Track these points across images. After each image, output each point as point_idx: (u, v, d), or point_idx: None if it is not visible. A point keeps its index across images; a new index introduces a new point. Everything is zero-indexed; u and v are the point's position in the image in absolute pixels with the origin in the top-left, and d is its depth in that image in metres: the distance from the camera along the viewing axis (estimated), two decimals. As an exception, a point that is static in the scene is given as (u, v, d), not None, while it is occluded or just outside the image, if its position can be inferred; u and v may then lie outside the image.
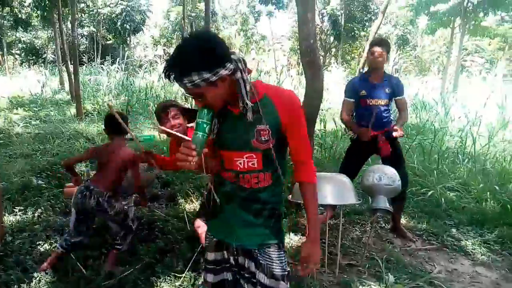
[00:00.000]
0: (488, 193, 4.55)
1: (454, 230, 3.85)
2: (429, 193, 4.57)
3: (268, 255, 1.55)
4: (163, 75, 1.36)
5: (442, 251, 3.45)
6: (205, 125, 1.37)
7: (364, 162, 3.74)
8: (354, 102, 3.53)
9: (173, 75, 1.29)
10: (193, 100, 1.37)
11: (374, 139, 3.39)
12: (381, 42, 3.45)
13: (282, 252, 1.59)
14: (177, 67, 1.28)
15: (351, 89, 3.54)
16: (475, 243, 3.56)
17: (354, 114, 3.62)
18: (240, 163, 1.48)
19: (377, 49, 3.37)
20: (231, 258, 1.61)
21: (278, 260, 1.55)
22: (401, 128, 3.46)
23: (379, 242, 3.58)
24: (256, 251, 1.55)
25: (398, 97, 3.52)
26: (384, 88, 3.46)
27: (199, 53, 1.26)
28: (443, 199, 4.43)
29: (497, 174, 5.20)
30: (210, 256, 1.67)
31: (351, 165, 3.64)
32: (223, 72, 1.29)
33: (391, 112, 3.59)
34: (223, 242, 1.63)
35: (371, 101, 3.46)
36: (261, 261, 1.55)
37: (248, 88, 1.36)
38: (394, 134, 3.39)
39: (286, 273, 1.57)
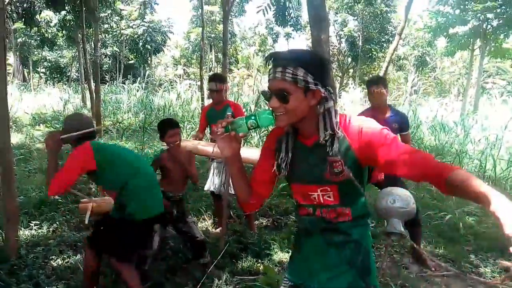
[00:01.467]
0: (509, 218, 4.39)
1: (472, 256, 3.72)
2: (447, 217, 4.45)
3: None
4: (268, 59, 1.27)
5: (460, 278, 3.33)
6: (252, 121, 1.26)
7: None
8: None
9: (279, 60, 1.23)
10: (268, 100, 1.27)
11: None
12: (377, 81, 3.51)
13: None
14: (290, 56, 1.23)
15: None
16: (494, 271, 3.42)
17: None
18: (315, 198, 1.37)
19: (375, 89, 3.42)
20: None
21: None
22: None
23: (394, 267, 3.49)
24: None
25: (403, 133, 3.51)
26: (392, 124, 3.43)
27: (315, 59, 1.26)
28: (461, 224, 4.31)
29: (519, 199, 5.03)
30: None
31: None
32: (321, 89, 1.23)
33: None
34: (301, 285, 1.46)
35: None
36: None
37: (337, 119, 1.29)
38: None
39: None
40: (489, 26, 17.51)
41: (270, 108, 1.27)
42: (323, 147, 1.29)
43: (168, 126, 3.00)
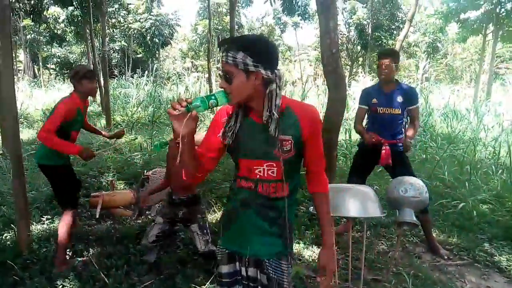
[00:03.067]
0: (524, 206, 4.32)
1: (486, 244, 3.65)
2: (460, 205, 4.37)
3: (280, 267, 1.56)
4: (218, 45, 1.45)
5: (474, 267, 3.28)
6: (212, 101, 1.36)
7: (369, 169, 3.74)
8: (366, 109, 3.59)
9: (224, 45, 1.38)
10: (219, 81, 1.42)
11: (380, 146, 3.38)
12: (388, 53, 3.50)
13: (290, 266, 1.60)
14: (232, 41, 1.39)
15: (364, 96, 3.62)
16: (510, 259, 3.36)
17: (367, 121, 3.68)
18: (260, 171, 1.50)
19: (384, 61, 3.39)
20: (243, 269, 1.61)
21: (287, 274, 1.57)
22: (408, 146, 3.41)
23: (407, 256, 3.45)
24: (268, 262, 1.55)
25: (410, 107, 3.46)
26: (396, 97, 3.44)
27: (256, 42, 1.38)
28: (475, 212, 4.23)
29: (534, 186, 4.94)
30: (224, 269, 1.65)
31: (356, 171, 3.70)
32: (262, 72, 1.36)
33: (404, 124, 3.55)
34: (236, 254, 1.62)
35: (381, 109, 3.47)
36: (272, 274, 1.55)
37: (278, 101, 1.41)
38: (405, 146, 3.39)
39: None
40: (502, 10, 17.08)
41: None
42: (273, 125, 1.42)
43: None
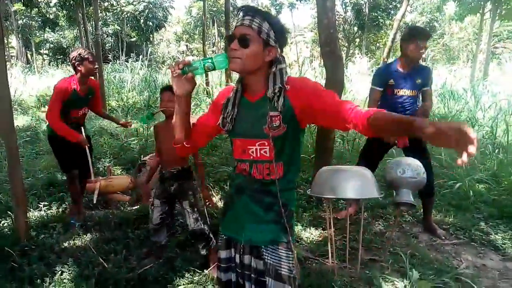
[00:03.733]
0: (520, 185, 4.34)
1: (483, 223, 3.68)
2: (457, 185, 4.40)
3: (277, 253, 1.50)
4: (239, 10, 1.42)
5: (470, 246, 3.31)
6: (209, 64, 1.36)
7: (384, 152, 3.65)
8: (381, 91, 3.39)
9: (250, 11, 1.36)
10: (229, 45, 1.37)
11: None
12: (426, 34, 3.25)
13: (291, 253, 1.52)
14: (260, 11, 1.38)
15: (379, 77, 3.41)
16: (505, 237, 3.39)
17: (379, 103, 3.44)
18: (253, 152, 1.48)
19: (423, 43, 3.17)
20: (237, 256, 1.58)
21: (286, 260, 1.51)
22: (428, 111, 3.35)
23: (404, 236, 3.47)
24: (264, 249, 1.51)
25: (425, 88, 3.38)
26: (414, 79, 3.31)
27: (279, 21, 1.41)
28: (471, 192, 4.25)
29: (530, 165, 4.95)
30: (222, 254, 1.64)
31: (371, 155, 3.58)
32: (277, 49, 1.39)
33: (416, 105, 3.43)
34: (232, 241, 1.60)
35: (398, 91, 3.32)
36: (268, 260, 1.50)
37: (286, 79, 1.41)
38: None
39: (293, 276, 1.51)
40: (500, -12, 16.87)
41: (226, 52, 1.39)
42: (265, 103, 1.40)
43: (164, 89, 2.81)
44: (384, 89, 3.37)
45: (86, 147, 3.49)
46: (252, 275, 1.54)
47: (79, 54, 3.26)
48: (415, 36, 3.22)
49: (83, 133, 3.51)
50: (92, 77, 3.59)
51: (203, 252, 2.83)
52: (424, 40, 3.22)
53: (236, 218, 1.58)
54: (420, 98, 3.46)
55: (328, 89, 1.42)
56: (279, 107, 1.37)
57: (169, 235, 3.28)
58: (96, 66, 3.46)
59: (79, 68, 3.30)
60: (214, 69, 1.38)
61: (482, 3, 18.23)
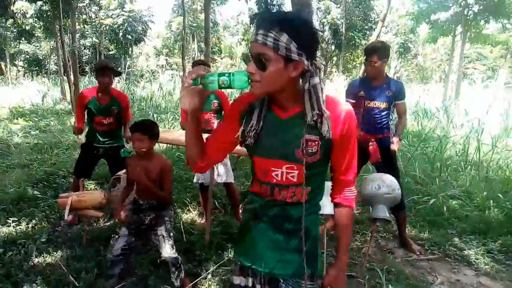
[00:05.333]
0: (492, 201, 4.46)
1: (456, 239, 3.75)
2: (431, 201, 4.48)
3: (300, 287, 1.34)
4: (252, 21, 1.22)
5: (445, 261, 3.35)
6: (224, 79, 1.18)
7: (359, 167, 3.66)
8: (354, 104, 3.44)
9: (263, 22, 1.13)
10: (247, 64, 1.20)
11: (366, 143, 3.34)
12: (377, 49, 3.31)
13: (316, 286, 1.37)
14: (276, 19, 1.12)
15: (351, 90, 3.50)
16: (478, 253, 3.46)
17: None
18: (277, 175, 1.29)
19: (374, 58, 3.26)
20: (258, 286, 1.41)
21: None
22: (399, 142, 3.40)
23: (380, 252, 3.50)
24: (284, 283, 1.35)
25: (398, 101, 3.44)
26: (384, 91, 3.38)
27: (303, 24, 1.13)
28: (445, 208, 4.34)
29: (501, 181, 5.10)
30: (236, 280, 1.49)
31: None
32: (304, 61, 1.14)
33: (390, 117, 3.51)
34: (249, 269, 1.43)
35: (369, 103, 3.39)
36: None
37: (324, 97, 1.21)
38: (392, 147, 3.35)
39: None
40: (470, 12, 17.66)
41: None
42: (301, 122, 1.23)
43: (133, 129, 2.60)
44: (357, 102, 3.43)
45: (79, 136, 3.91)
46: None
47: (94, 66, 3.53)
48: (364, 53, 3.40)
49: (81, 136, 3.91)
50: (120, 90, 4.05)
51: (177, 283, 2.65)
52: (370, 55, 3.29)
53: (253, 246, 1.40)
54: (395, 113, 3.54)
55: (355, 142, 1.31)
56: (324, 132, 1.21)
57: (142, 252, 3.21)
58: (108, 80, 3.67)
59: (99, 80, 3.67)
60: (229, 86, 1.19)
61: (453, 26, 19.01)
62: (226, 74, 1.18)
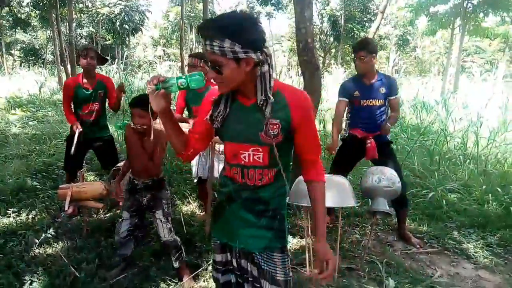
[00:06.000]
0: (490, 195, 4.48)
1: (455, 232, 3.77)
2: (430, 194, 4.49)
3: (272, 259, 1.53)
4: (197, 31, 1.35)
5: (444, 254, 3.38)
6: (182, 81, 1.34)
7: (353, 164, 3.72)
8: (347, 102, 3.51)
9: (206, 32, 1.26)
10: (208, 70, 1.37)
11: (364, 141, 3.37)
12: (365, 45, 3.35)
13: (286, 257, 1.56)
14: (215, 27, 1.25)
15: (344, 89, 3.52)
16: (477, 246, 3.49)
17: (349, 115, 3.59)
18: (245, 157, 1.45)
19: (362, 53, 3.30)
20: (234, 261, 1.62)
21: (281, 265, 1.53)
22: (388, 128, 3.41)
23: (379, 245, 3.51)
24: (258, 255, 1.53)
25: (392, 97, 3.47)
26: (379, 88, 3.41)
27: (242, 25, 1.25)
28: (444, 201, 4.36)
29: (499, 175, 5.13)
30: (217, 257, 1.68)
31: (338, 165, 3.63)
32: (253, 56, 1.27)
33: (386, 114, 3.53)
34: (227, 245, 1.63)
35: (364, 102, 3.42)
36: (263, 266, 1.53)
37: (272, 83, 1.36)
38: (384, 129, 3.37)
39: (289, 279, 1.55)
40: (469, 5, 17.61)
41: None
42: (262, 108, 1.38)
43: (132, 104, 2.58)
44: (352, 101, 3.47)
45: (77, 132, 3.63)
46: (250, 278, 1.58)
47: (78, 50, 3.47)
48: (353, 50, 3.45)
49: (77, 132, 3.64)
50: (103, 73, 4.03)
51: (176, 264, 2.70)
52: (358, 51, 3.33)
53: (228, 224, 1.58)
54: (389, 108, 3.55)
55: (315, 124, 1.47)
56: (267, 114, 1.36)
57: (143, 243, 3.22)
58: (90, 61, 3.59)
59: (79, 64, 3.62)
60: (188, 87, 1.35)
61: (452, 18, 18.96)
62: (183, 77, 1.34)
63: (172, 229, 2.70)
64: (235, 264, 1.61)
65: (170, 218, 2.73)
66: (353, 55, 3.46)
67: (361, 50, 3.31)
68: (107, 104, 3.96)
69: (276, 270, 1.52)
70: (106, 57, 4.01)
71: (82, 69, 3.65)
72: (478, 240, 3.61)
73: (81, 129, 3.63)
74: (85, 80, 3.67)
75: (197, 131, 1.56)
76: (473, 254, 3.35)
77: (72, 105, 3.77)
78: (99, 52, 3.82)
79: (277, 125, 1.38)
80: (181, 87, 1.34)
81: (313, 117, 1.46)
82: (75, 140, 3.60)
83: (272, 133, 1.39)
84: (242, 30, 1.25)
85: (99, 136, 3.84)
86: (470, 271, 3.12)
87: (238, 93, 1.44)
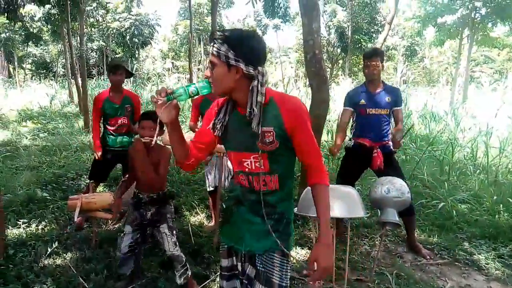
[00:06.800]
0: (501, 205, 4.42)
1: (466, 243, 3.72)
2: (440, 205, 4.45)
3: (271, 261, 1.56)
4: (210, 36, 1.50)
5: (454, 266, 3.33)
6: (193, 89, 1.41)
7: (358, 174, 3.72)
8: (352, 111, 3.56)
9: (213, 37, 1.42)
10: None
11: (370, 150, 3.37)
12: (374, 53, 3.45)
13: (286, 262, 1.58)
14: (221, 34, 1.40)
15: (350, 98, 3.58)
16: (488, 258, 3.43)
17: (354, 124, 3.61)
18: (248, 164, 1.53)
19: (372, 61, 3.38)
20: (239, 265, 1.65)
21: (279, 267, 1.56)
22: (399, 142, 3.46)
23: (389, 256, 3.48)
24: (259, 256, 1.57)
25: (396, 108, 3.49)
26: (384, 97, 3.45)
27: (241, 38, 1.39)
28: (454, 212, 4.31)
29: (510, 186, 5.06)
30: (224, 262, 1.71)
31: (344, 176, 3.62)
32: (243, 67, 1.38)
33: (390, 124, 3.55)
34: (233, 249, 1.67)
35: (370, 110, 3.45)
36: (260, 267, 1.56)
37: (259, 98, 1.42)
38: (395, 143, 3.42)
39: (284, 285, 1.56)
40: (477, 15, 17.56)
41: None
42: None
43: (143, 116, 2.65)
44: (358, 110, 3.50)
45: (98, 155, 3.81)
46: (245, 281, 1.62)
47: (107, 65, 3.54)
48: (365, 56, 3.51)
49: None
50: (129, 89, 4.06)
51: (180, 281, 2.64)
52: (368, 58, 3.42)
53: (235, 228, 1.63)
54: (392, 119, 3.56)
55: (311, 128, 1.50)
56: (253, 126, 1.42)
57: (152, 255, 3.22)
58: (119, 77, 3.74)
59: (109, 79, 3.79)
60: (198, 93, 1.42)
61: (460, 29, 18.92)
62: (192, 85, 1.42)
63: (177, 243, 2.69)
64: (240, 268, 1.65)
65: (175, 232, 2.73)
66: (363, 62, 3.52)
67: (374, 57, 3.40)
68: None
69: (272, 272, 1.55)
70: (132, 72, 4.12)
71: (112, 85, 3.81)
72: (489, 251, 3.55)
73: (100, 159, 3.81)
74: (112, 94, 3.81)
75: (199, 140, 1.61)
76: (484, 266, 3.30)
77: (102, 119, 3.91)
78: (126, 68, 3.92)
79: (271, 133, 1.45)
80: (192, 94, 1.41)
81: (308, 121, 1.49)
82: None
83: (267, 141, 1.46)
84: (240, 41, 1.38)
85: (123, 149, 3.82)
86: (482, 283, 3.06)
87: (238, 105, 1.51)
